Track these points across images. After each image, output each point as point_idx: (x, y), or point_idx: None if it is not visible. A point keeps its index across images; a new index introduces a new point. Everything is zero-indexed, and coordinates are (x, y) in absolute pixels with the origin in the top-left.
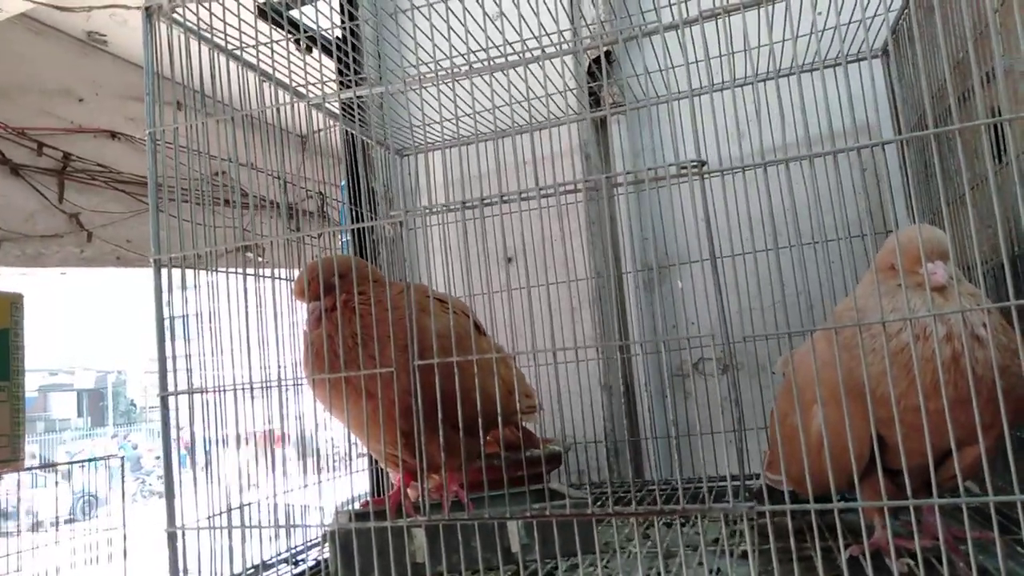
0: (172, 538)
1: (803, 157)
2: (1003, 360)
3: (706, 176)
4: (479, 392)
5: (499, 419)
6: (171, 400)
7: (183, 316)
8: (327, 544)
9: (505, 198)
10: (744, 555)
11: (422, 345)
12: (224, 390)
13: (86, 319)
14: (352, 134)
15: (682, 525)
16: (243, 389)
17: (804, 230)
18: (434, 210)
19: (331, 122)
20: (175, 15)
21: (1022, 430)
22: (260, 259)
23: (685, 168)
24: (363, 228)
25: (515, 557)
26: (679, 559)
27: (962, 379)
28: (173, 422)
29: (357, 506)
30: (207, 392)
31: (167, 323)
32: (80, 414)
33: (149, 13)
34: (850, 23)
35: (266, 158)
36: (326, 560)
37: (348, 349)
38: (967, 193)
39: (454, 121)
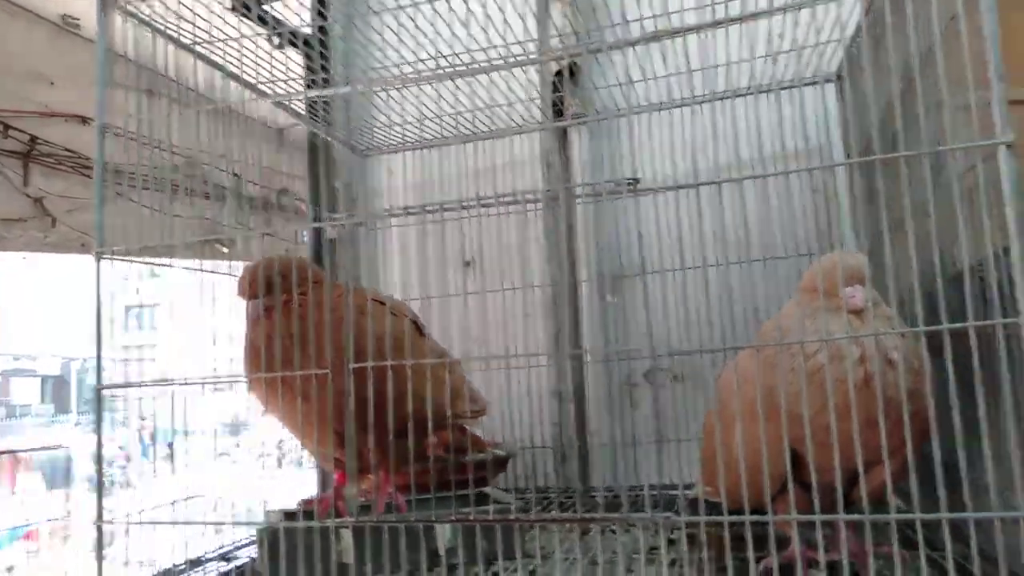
0: (99, 531)
1: (755, 176)
2: (913, 384)
3: (640, 194)
4: (415, 396)
5: (438, 422)
6: (105, 394)
7: (138, 307)
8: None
9: (464, 204)
10: (674, 564)
11: (358, 347)
12: (162, 385)
13: (52, 305)
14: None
15: (625, 532)
16: (182, 385)
17: (755, 248)
18: (395, 213)
19: (294, 120)
20: (129, 7)
21: (927, 448)
22: (226, 250)
23: (620, 186)
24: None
25: (441, 560)
26: (600, 567)
27: (872, 401)
28: (108, 416)
29: (295, 505)
30: (144, 386)
31: (106, 317)
32: (43, 400)
33: (104, 3)
34: (805, 47)
35: (227, 150)
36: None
37: (285, 349)
38: (907, 219)
39: (417, 124)
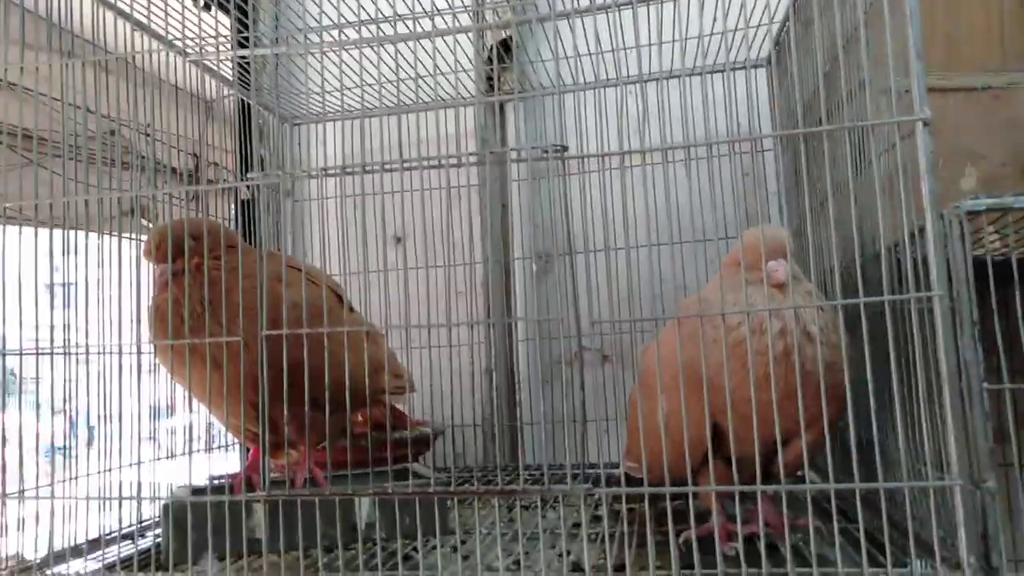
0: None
1: (678, 146)
2: (830, 357)
3: (566, 159)
4: (334, 368)
5: (358, 397)
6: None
7: (60, 285)
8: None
9: (388, 166)
10: (597, 538)
11: (273, 315)
12: (52, 353)
13: None
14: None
15: (544, 508)
16: (78, 353)
17: (683, 230)
18: (313, 174)
19: (217, 83)
20: None
21: (843, 420)
22: (150, 225)
23: (547, 151)
24: (252, 196)
25: (360, 536)
26: (522, 542)
27: (791, 373)
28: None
29: (205, 481)
30: (46, 354)
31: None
32: None
33: None
34: (736, 30)
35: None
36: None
37: (195, 316)
38: (829, 198)
39: (341, 93)
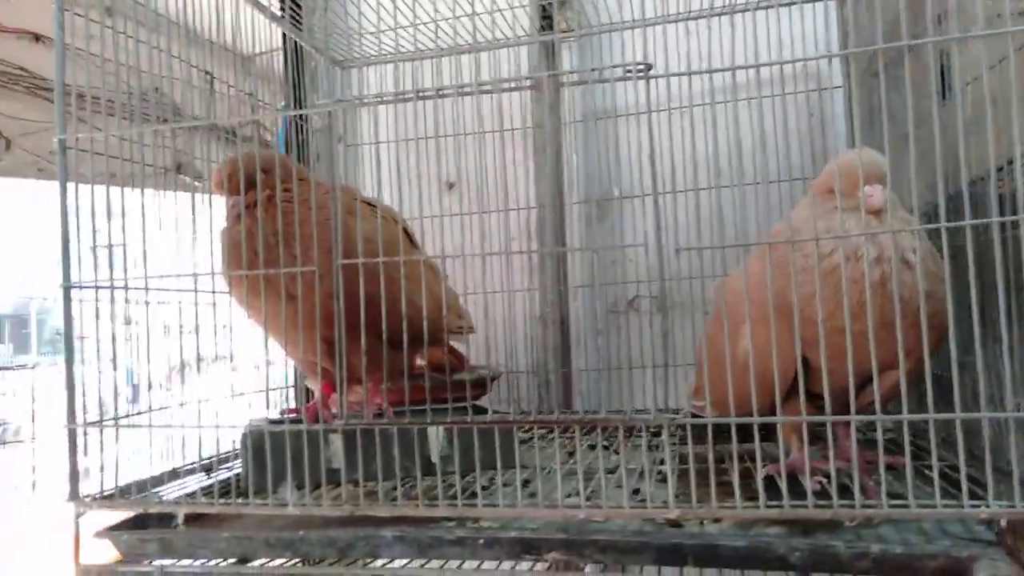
0: (72, 435)
1: (750, 65)
2: (929, 286)
3: (651, 78)
4: (409, 303)
5: (430, 335)
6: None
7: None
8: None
9: (441, 92)
10: (664, 479)
11: (347, 247)
12: (128, 287)
13: (5, 239)
14: (296, 44)
15: (605, 448)
16: (155, 289)
17: (747, 172)
18: (365, 101)
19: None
20: None
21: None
22: (197, 184)
23: (630, 71)
24: (301, 140)
25: (435, 468)
26: (598, 479)
27: (888, 302)
28: (76, 316)
29: (276, 415)
30: (115, 288)
31: (71, 211)
32: (0, 340)
33: None
34: None
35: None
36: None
37: (269, 247)
38: (911, 132)
39: (395, 33)
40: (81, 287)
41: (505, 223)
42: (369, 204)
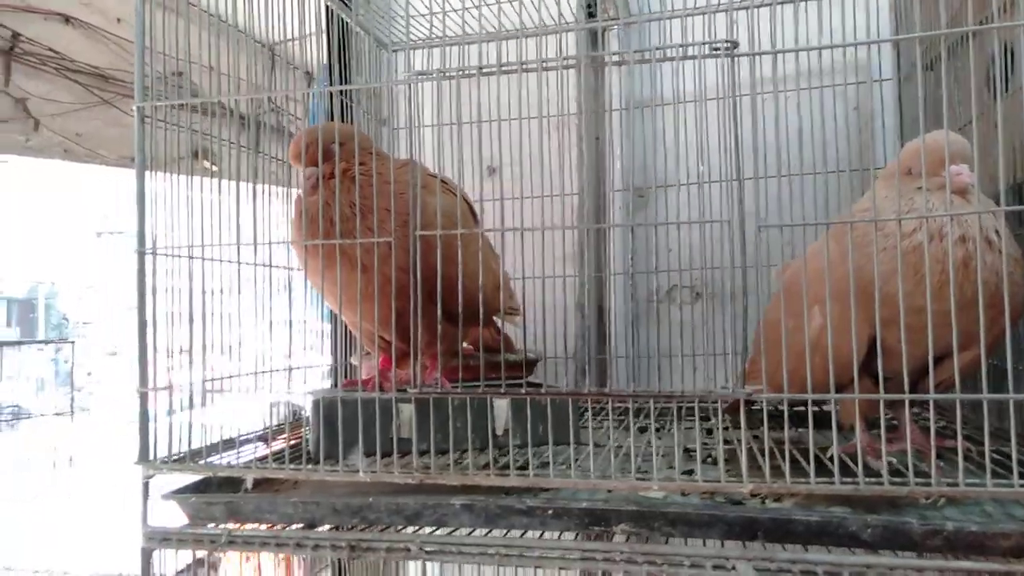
0: (144, 399)
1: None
2: (1011, 267)
3: (736, 56)
4: (472, 277)
5: (489, 311)
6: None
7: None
8: (306, 418)
9: (484, 69)
10: (729, 457)
11: (423, 221)
12: (202, 259)
13: (17, 223)
14: (341, 23)
15: (658, 430)
16: (223, 260)
17: (783, 166)
18: (426, 76)
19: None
20: None
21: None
22: (215, 168)
23: (717, 48)
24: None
25: (500, 440)
26: (657, 459)
27: (968, 282)
28: (149, 283)
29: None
30: (183, 256)
31: (147, 177)
32: (8, 324)
33: None
34: None
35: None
36: (297, 441)
37: (346, 219)
38: (973, 122)
39: (443, 15)
40: (155, 253)
41: (550, 207)
42: (432, 177)
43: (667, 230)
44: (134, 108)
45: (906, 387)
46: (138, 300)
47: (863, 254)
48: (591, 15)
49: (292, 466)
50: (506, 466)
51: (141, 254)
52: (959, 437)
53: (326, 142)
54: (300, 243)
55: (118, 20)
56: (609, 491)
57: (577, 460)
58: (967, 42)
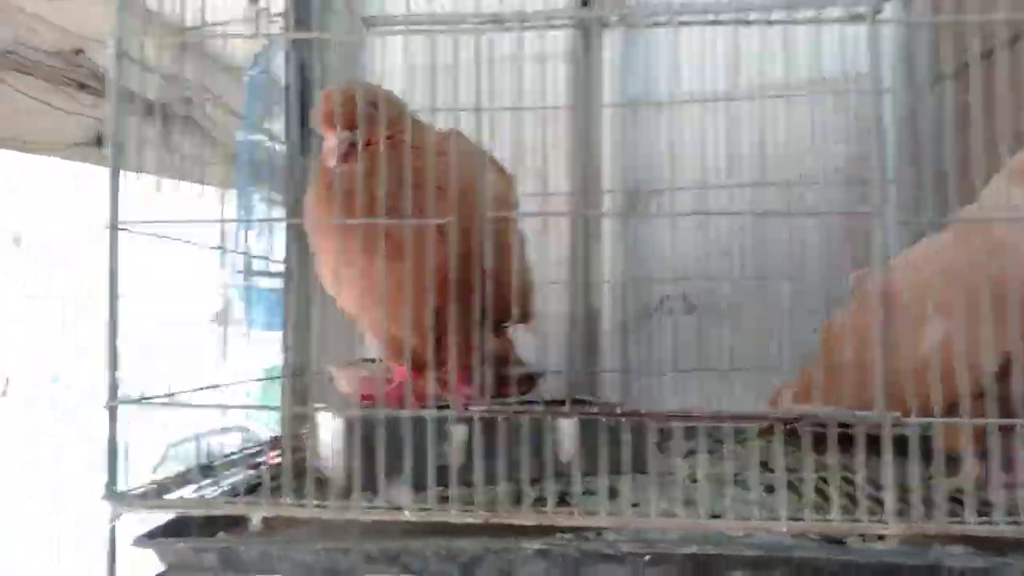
0: (113, 414)
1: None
2: None
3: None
4: (522, 272)
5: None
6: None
7: None
8: (327, 438)
9: (479, 20)
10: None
11: (472, 201)
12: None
13: None
14: None
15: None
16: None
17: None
18: (395, 27)
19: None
20: None
21: None
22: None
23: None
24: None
25: (564, 468)
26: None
27: None
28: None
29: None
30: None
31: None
32: None
33: None
34: None
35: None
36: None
37: (391, 194)
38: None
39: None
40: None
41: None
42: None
43: (664, 235)
44: (110, 44)
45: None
46: (109, 287)
47: (993, 259)
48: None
49: (315, 502)
50: (571, 498)
51: (114, 228)
52: None
53: (365, 101)
54: (328, 222)
55: None
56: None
57: (664, 494)
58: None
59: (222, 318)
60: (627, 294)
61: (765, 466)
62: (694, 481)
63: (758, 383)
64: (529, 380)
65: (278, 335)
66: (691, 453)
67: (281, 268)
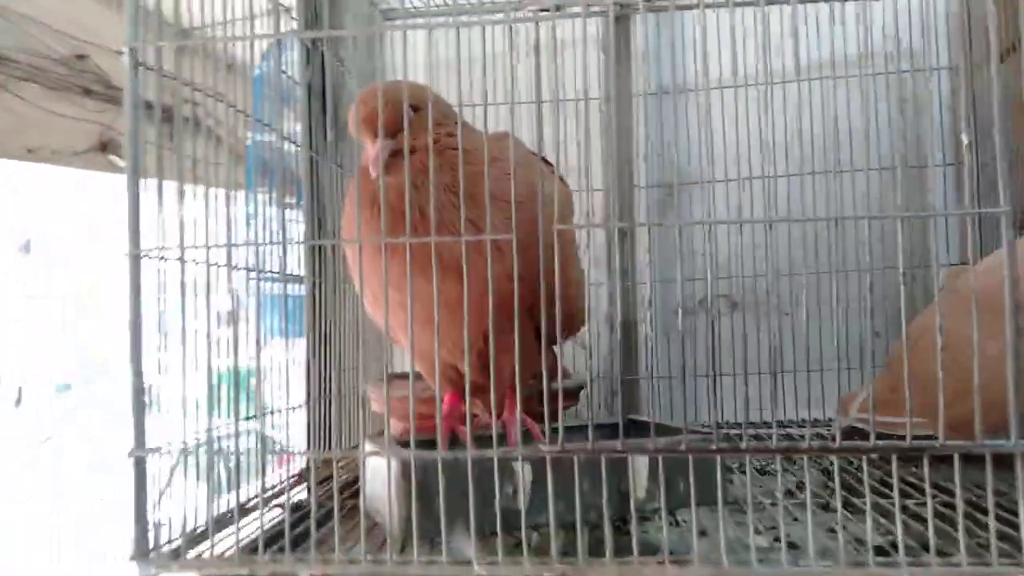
0: (140, 464)
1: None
2: None
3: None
4: (579, 284)
5: (571, 328)
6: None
7: None
8: (377, 481)
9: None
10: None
11: (549, 212)
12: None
13: None
14: None
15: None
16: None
17: (827, 161)
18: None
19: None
20: None
21: None
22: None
23: None
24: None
25: (638, 504)
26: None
27: None
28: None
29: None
30: (186, 261)
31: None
32: None
33: None
34: None
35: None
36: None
37: (442, 207)
38: None
39: None
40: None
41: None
42: (543, 160)
43: (698, 232)
44: (125, 49)
45: None
46: (131, 323)
47: None
48: None
49: (371, 556)
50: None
51: (135, 257)
52: None
53: (410, 103)
54: (371, 241)
55: None
56: None
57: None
58: None
59: (232, 318)
60: (667, 295)
61: (851, 491)
62: (772, 504)
63: (803, 385)
64: (574, 394)
65: (295, 341)
66: (763, 472)
67: (294, 272)
